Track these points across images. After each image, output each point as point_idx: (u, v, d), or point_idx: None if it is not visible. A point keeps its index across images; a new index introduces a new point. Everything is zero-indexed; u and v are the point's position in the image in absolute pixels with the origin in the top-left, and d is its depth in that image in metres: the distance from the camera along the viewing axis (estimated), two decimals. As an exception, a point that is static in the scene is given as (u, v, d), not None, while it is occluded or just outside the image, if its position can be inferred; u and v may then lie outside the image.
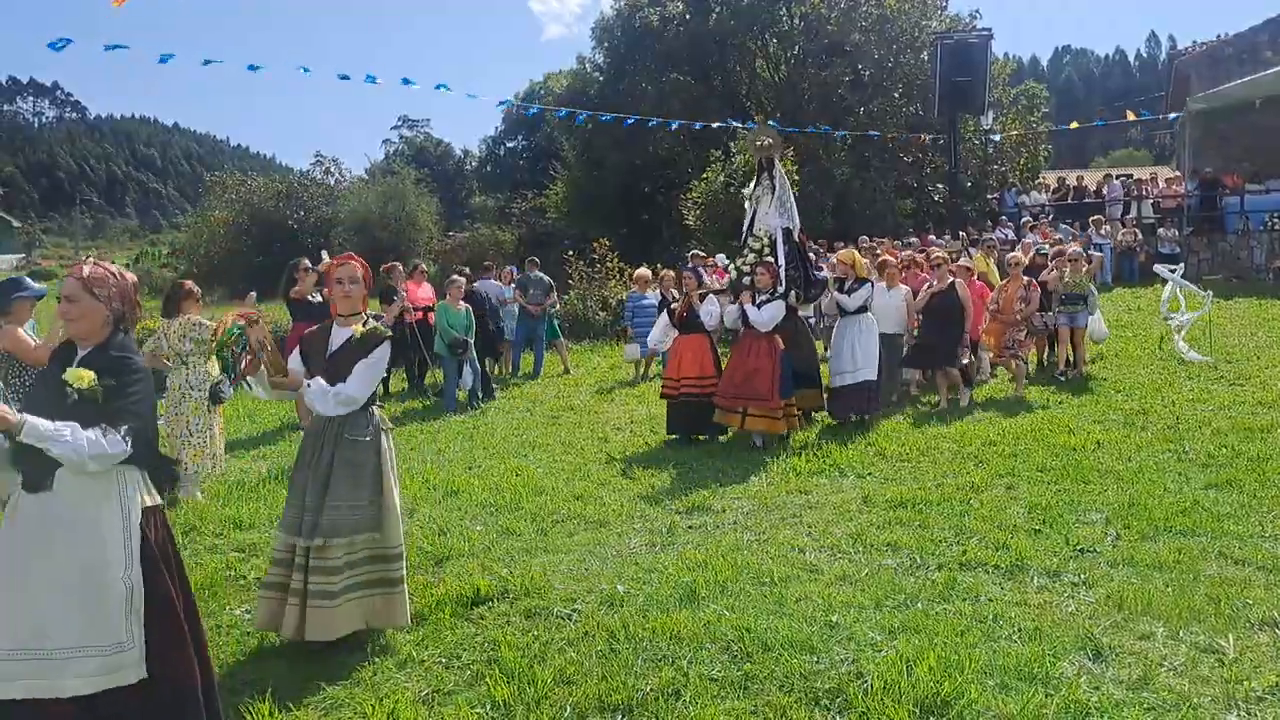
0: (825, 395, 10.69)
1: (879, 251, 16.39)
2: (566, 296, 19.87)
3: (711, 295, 10.42)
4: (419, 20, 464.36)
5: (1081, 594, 5.23)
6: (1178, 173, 27.40)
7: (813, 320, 13.67)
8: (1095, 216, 22.66)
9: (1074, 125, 25.32)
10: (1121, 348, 14.32)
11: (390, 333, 5.07)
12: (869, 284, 10.65)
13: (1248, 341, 14.12)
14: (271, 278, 37.83)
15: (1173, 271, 15.13)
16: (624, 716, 4.13)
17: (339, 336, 4.97)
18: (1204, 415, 9.65)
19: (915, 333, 11.79)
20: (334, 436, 4.87)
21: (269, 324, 4.56)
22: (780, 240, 10.27)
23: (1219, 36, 30.16)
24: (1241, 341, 14.12)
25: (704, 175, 23.21)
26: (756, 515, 7.14)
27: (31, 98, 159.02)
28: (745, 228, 10.73)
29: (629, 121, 22.37)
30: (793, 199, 10.65)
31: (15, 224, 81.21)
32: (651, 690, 4.29)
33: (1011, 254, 12.69)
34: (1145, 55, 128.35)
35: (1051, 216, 24.03)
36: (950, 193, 23.80)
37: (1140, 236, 22.87)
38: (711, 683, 4.34)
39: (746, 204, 10.86)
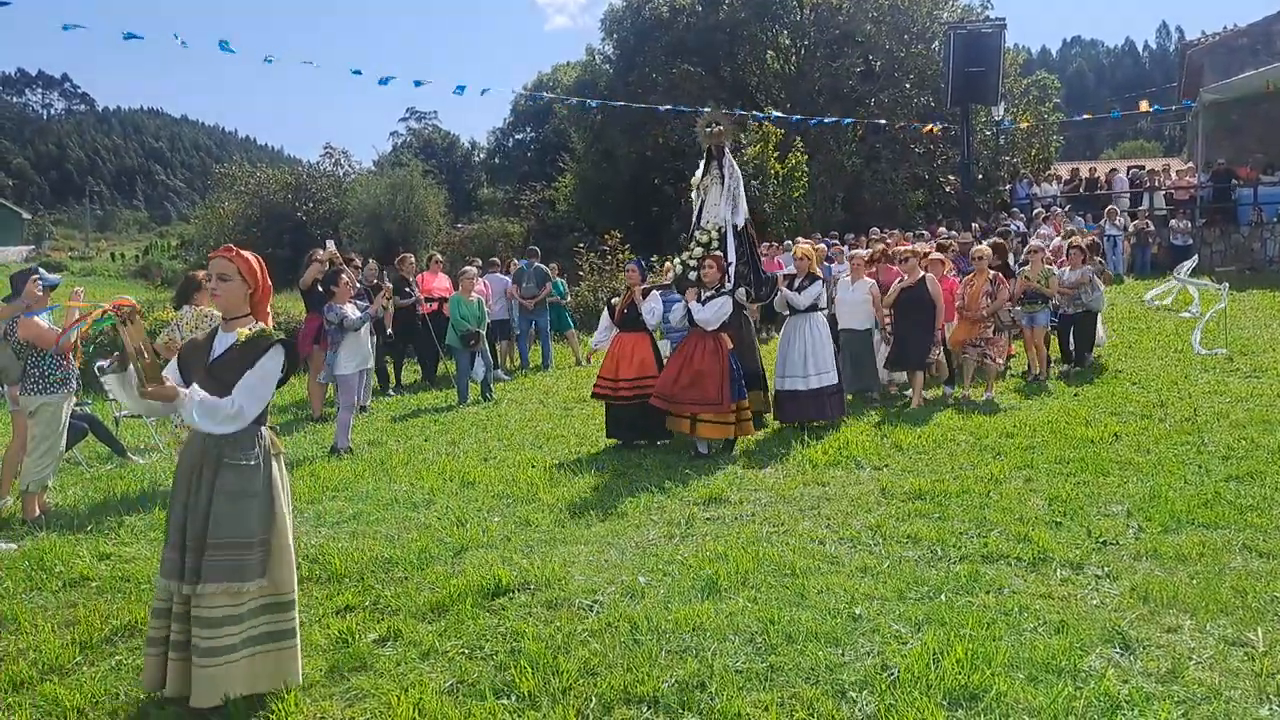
0: (771, 398, 10.14)
1: (889, 243, 16.33)
2: (578, 288, 19.86)
3: (655, 292, 9.79)
4: (421, 12, 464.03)
5: (1106, 586, 5.19)
6: (1190, 164, 27.25)
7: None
8: (1110, 207, 22.57)
9: (1088, 116, 25.15)
10: (1135, 340, 14.26)
11: (282, 336, 4.31)
12: (820, 281, 10.11)
13: (1262, 333, 14.04)
14: (281, 269, 37.97)
15: (1183, 272, 15.10)
16: (649, 708, 4.11)
17: (222, 343, 4.31)
18: (1221, 407, 9.60)
19: (886, 329, 11.35)
20: (214, 461, 4.15)
21: (145, 322, 4.09)
22: (730, 235, 9.84)
23: (1226, 28, 30.00)
24: (1256, 333, 14.04)
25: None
26: (774, 507, 7.12)
27: (41, 90, 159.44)
28: (693, 220, 10.27)
29: (639, 107, 22.32)
30: (743, 191, 10.21)
31: (25, 216, 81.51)
32: (676, 682, 4.28)
33: (977, 247, 12.13)
34: (1155, 47, 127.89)
35: (1069, 207, 23.92)
36: (962, 184, 23.70)
37: (1153, 227, 22.78)
38: (736, 674, 4.32)
39: (694, 194, 10.37)
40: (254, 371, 4.15)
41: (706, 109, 23.80)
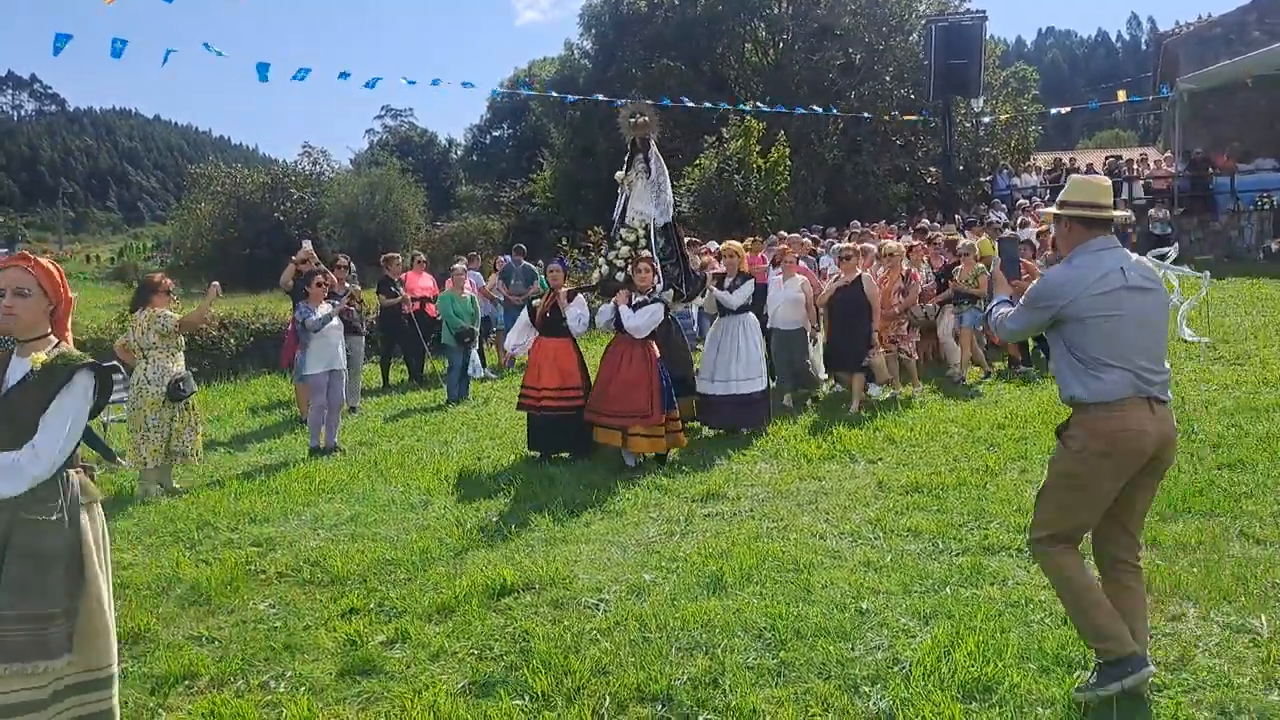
0: (697, 403, 9.73)
1: (873, 235, 16.38)
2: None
3: (580, 295, 9.14)
4: (387, 10, 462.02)
5: (1108, 576, 5.23)
6: (1168, 153, 27.47)
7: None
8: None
9: (1065, 110, 25.34)
10: (1119, 329, 14.35)
11: (89, 359, 3.53)
12: (752, 280, 9.72)
13: (1243, 321, 14.18)
14: (259, 270, 37.76)
15: (1164, 258, 15.20)
16: (664, 706, 4.12)
17: (16, 370, 3.49)
18: (1208, 395, 9.69)
19: (815, 327, 10.92)
20: (6, 515, 3.37)
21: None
22: (654, 233, 9.38)
23: (1200, 18, 30.26)
24: (1237, 321, 14.18)
25: (697, 161, 23.14)
26: (772, 502, 7.13)
27: (10, 91, 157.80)
28: (616, 216, 9.71)
29: (618, 103, 22.26)
30: (669, 186, 9.72)
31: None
32: (689, 679, 4.28)
33: (891, 243, 11.76)
34: (1128, 38, 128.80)
35: (1048, 197, 24.02)
36: (944, 176, 23.82)
37: (1132, 217, 22.93)
38: (748, 671, 4.33)
39: (618, 189, 9.76)
40: (57, 408, 3.39)
41: (688, 102, 23.85)
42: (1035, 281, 4.08)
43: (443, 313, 12.86)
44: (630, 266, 8.92)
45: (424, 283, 14.58)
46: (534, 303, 9.37)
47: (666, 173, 9.74)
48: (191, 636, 5.15)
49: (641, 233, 9.35)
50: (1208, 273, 14.14)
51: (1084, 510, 3.92)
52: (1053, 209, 4.09)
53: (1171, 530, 5.85)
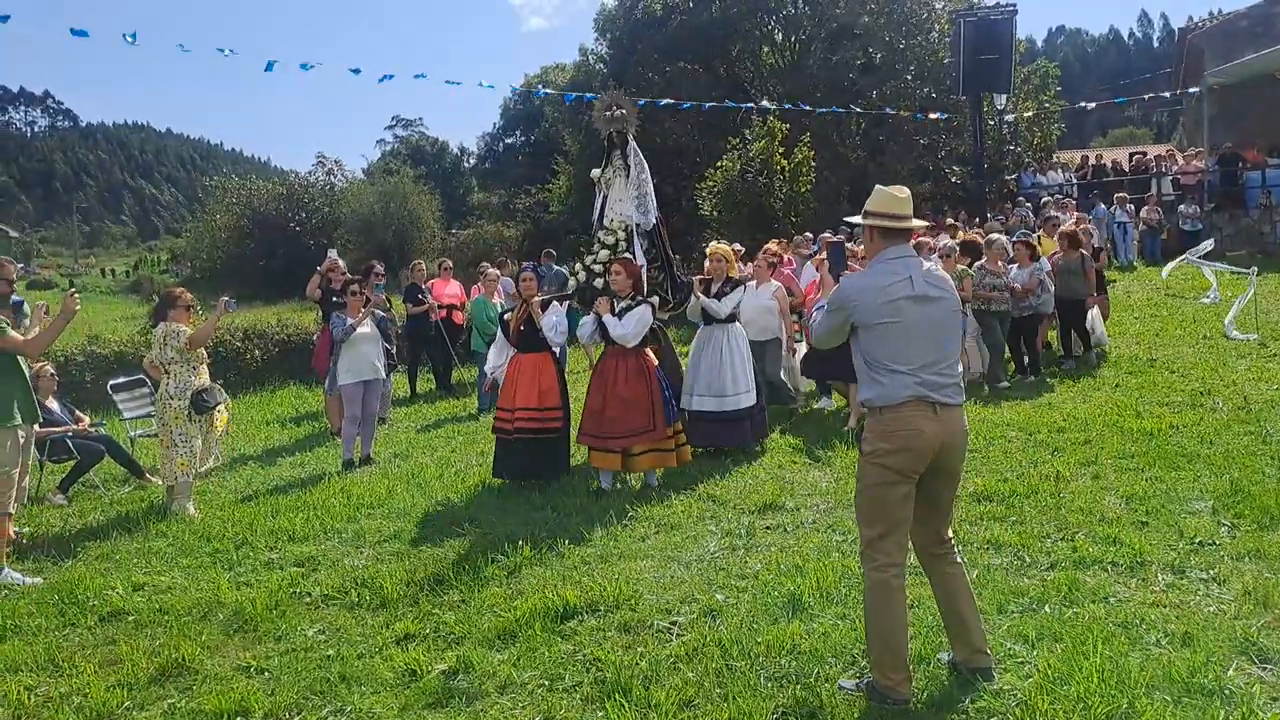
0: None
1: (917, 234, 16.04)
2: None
3: (555, 304, 8.41)
4: (394, 15, 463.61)
5: (1216, 591, 4.88)
6: (1199, 149, 27.00)
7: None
8: (1119, 194, 22.28)
9: (1091, 105, 24.93)
10: (1160, 327, 13.99)
11: None
12: (742, 287, 8.97)
13: (1287, 317, 13.80)
14: (275, 281, 37.50)
15: (1198, 254, 14.84)
16: (760, 742, 3.80)
17: None
18: (1270, 395, 9.32)
19: (794, 336, 10.41)
20: None
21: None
22: (636, 235, 8.75)
23: (1213, 13, 29.87)
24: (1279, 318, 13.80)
25: (719, 163, 22.79)
26: (835, 513, 6.79)
27: (23, 107, 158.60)
28: (594, 219, 9.06)
29: (641, 103, 21.97)
30: (650, 185, 8.94)
31: (12, 234, 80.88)
32: (784, 712, 3.95)
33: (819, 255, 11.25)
34: (1140, 35, 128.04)
35: (1095, 194, 23.57)
36: (974, 174, 23.41)
37: (1162, 214, 22.52)
38: (847, 703, 3.99)
39: (595, 188, 9.11)
40: None
41: (709, 104, 23.55)
42: (833, 288, 4.27)
43: (474, 318, 12.60)
44: (608, 271, 8.19)
45: (450, 290, 14.31)
46: (505, 316, 8.56)
47: (648, 170, 9.01)
48: (239, 667, 4.84)
49: (622, 235, 8.71)
50: (1255, 269, 13.87)
51: (888, 512, 3.99)
52: (857, 218, 4.20)
53: (1272, 540, 5.49)
